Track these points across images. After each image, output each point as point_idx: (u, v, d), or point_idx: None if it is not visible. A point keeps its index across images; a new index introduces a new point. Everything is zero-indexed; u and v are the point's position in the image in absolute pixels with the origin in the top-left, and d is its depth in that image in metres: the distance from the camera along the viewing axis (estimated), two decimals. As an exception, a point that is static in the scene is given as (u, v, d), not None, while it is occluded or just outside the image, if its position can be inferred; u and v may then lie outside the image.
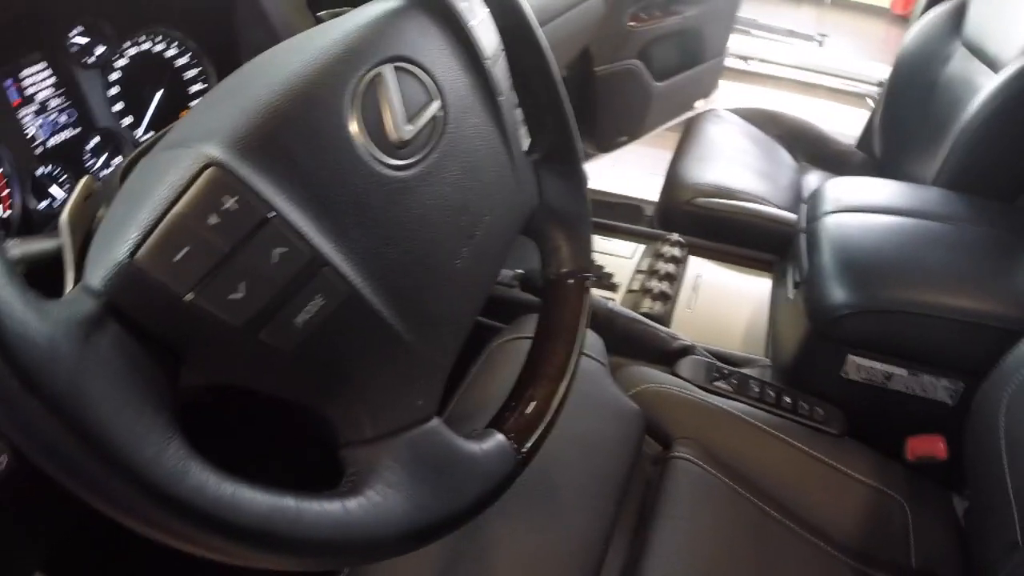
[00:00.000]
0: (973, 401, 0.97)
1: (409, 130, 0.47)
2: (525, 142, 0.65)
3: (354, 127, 0.44)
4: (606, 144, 2.15)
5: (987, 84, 1.39)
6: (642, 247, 1.50)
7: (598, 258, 1.45)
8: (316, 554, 0.39)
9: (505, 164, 0.57)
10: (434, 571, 0.72)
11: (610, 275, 1.41)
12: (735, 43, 3.48)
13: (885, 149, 1.85)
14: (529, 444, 0.55)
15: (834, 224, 1.21)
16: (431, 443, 0.47)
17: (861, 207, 1.24)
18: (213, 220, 0.37)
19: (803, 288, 1.18)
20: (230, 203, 0.38)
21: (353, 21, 0.48)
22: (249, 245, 0.38)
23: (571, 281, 0.67)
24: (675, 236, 1.49)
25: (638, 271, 1.42)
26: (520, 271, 1.13)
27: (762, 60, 3.52)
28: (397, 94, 0.47)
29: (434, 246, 0.48)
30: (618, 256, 1.47)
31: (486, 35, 0.57)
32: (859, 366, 1.11)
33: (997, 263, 1.16)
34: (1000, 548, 0.84)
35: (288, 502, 0.38)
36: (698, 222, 1.53)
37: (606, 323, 1.16)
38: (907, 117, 1.76)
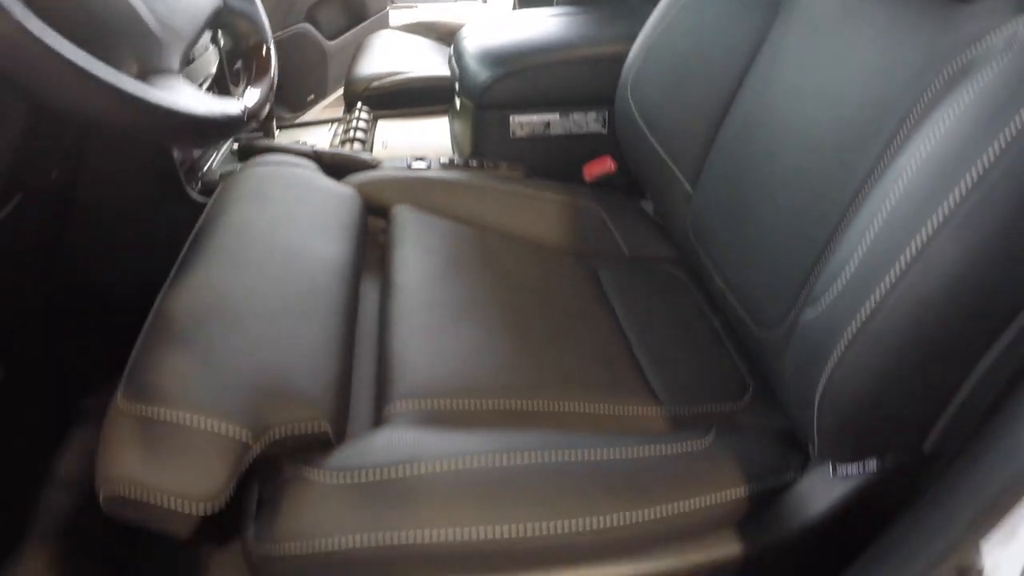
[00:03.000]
0: (614, 115, 1.21)
1: None
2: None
3: None
4: (296, 105, 2.28)
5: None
6: (335, 125, 1.65)
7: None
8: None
9: None
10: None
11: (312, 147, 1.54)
12: (402, 16, 3.71)
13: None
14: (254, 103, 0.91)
15: (469, 37, 1.43)
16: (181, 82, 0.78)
17: (492, 26, 1.47)
18: None
19: (460, 89, 1.38)
20: None
21: None
22: None
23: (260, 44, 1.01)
24: (359, 105, 1.66)
25: (335, 142, 1.57)
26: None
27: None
28: None
29: None
30: (315, 137, 1.60)
31: None
32: (521, 123, 1.32)
33: (600, 24, 1.42)
34: (679, 202, 1.07)
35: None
36: (378, 99, 1.71)
37: (313, 159, 1.27)
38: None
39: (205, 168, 1.37)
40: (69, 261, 1.15)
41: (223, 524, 0.85)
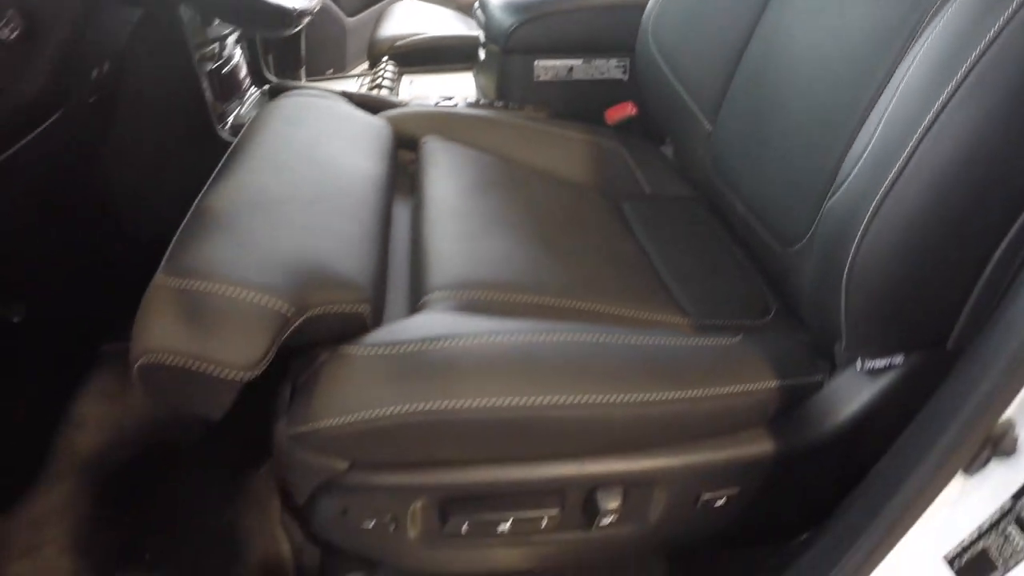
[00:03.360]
0: (635, 61, 1.22)
1: None
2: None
3: None
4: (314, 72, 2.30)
5: None
6: (362, 77, 1.67)
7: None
8: None
9: None
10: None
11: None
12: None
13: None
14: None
15: None
16: None
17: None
18: None
19: (486, 38, 1.40)
20: None
21: None
22: None
23: None
24: (385, 59, 1.68)
25: (362, 90, 1.59)
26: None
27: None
28: None
29: None
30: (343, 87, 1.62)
31: None
32: (545, 67, 1.34)
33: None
34: (698, 140, 1.08)
35: None
36: (402, 58, 1.74)
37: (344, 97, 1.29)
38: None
39: (234, 114, 1.39)
40: (96, 194, 1.17)
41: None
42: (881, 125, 0.67)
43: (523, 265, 0.88)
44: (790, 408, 0.78)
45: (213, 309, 0.66)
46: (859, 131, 0.73)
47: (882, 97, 0.72)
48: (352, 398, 0.68)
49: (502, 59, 1.34)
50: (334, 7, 2.30)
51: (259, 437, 1.15)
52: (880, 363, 0.74)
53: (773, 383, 0.76)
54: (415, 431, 0.68)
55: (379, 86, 1.51)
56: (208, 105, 1.26)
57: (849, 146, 0.74)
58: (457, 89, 1.61)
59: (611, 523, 0.78)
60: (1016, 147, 0.59)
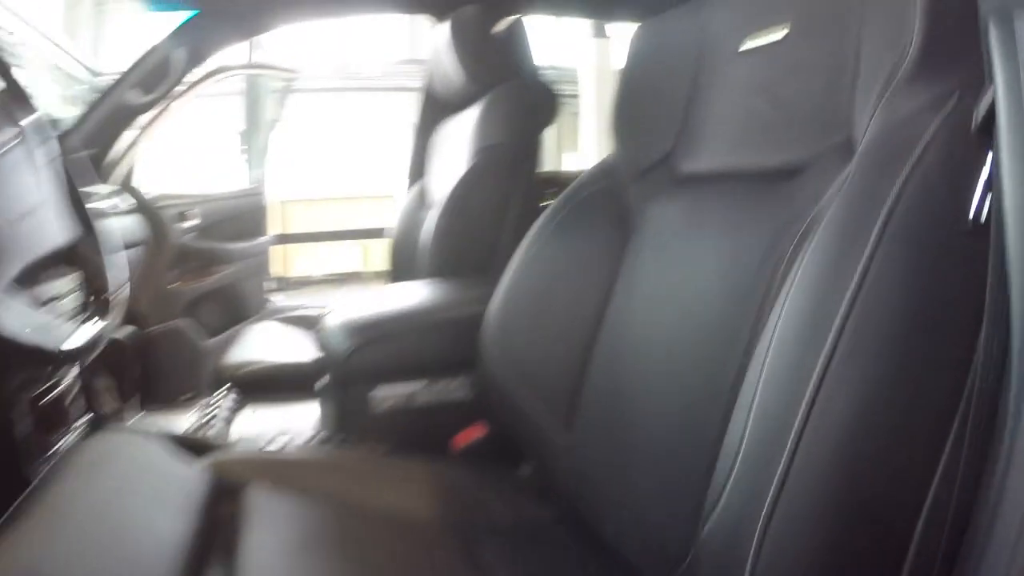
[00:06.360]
0: (478, 379, 1.20)
1: None
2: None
3: None
4: (171, 401, 2.19)
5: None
6: (201, 410, 1.60)
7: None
8: None
9: None
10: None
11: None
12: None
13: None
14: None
15: (334, 313, 1.44)
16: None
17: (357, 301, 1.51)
18: None
19: (324, 366, 1.38)
20: None
21: None
22: None
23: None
24: (226, 388, 1.62)
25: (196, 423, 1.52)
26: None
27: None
28: None
29: None
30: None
31: None
32: (384, 397, 1.30)
33: (463, 289, 1.48)
34: (557, 455, 1.02)
35: None
36: (246, 385, 1.69)
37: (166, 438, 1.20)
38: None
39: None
40: None
41: None
42: (752, 416, 0.61)
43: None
44: None
45: None
46: (729, 419, 0.68)
47: (748, 372, 0.67)
48: None
49: (338, 389, 1.31)
50: (188, 329, 2.26)
51: None
52: None
53: None
54: None
55: (214, 417, 1.45)
56: (15, 441, 1.14)
57: (719, 441, 0.68)
58: (299, 422, 1.56)
59: None
60: (907, 408, 0.52)
